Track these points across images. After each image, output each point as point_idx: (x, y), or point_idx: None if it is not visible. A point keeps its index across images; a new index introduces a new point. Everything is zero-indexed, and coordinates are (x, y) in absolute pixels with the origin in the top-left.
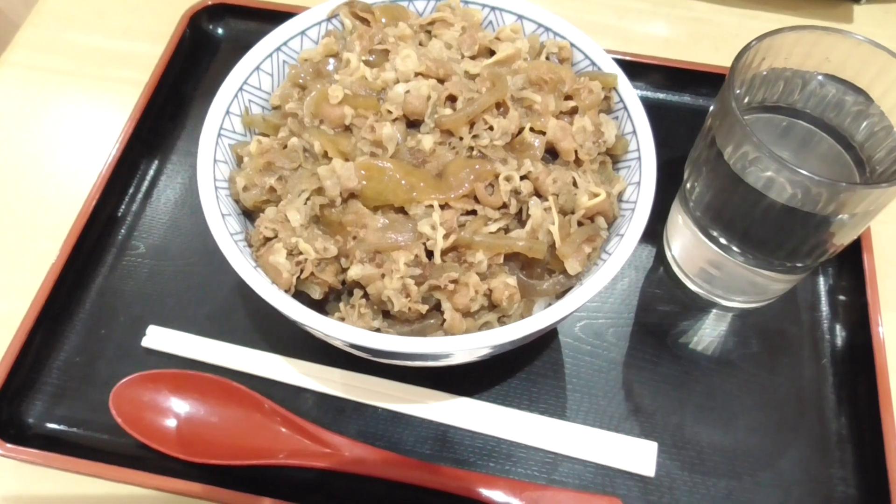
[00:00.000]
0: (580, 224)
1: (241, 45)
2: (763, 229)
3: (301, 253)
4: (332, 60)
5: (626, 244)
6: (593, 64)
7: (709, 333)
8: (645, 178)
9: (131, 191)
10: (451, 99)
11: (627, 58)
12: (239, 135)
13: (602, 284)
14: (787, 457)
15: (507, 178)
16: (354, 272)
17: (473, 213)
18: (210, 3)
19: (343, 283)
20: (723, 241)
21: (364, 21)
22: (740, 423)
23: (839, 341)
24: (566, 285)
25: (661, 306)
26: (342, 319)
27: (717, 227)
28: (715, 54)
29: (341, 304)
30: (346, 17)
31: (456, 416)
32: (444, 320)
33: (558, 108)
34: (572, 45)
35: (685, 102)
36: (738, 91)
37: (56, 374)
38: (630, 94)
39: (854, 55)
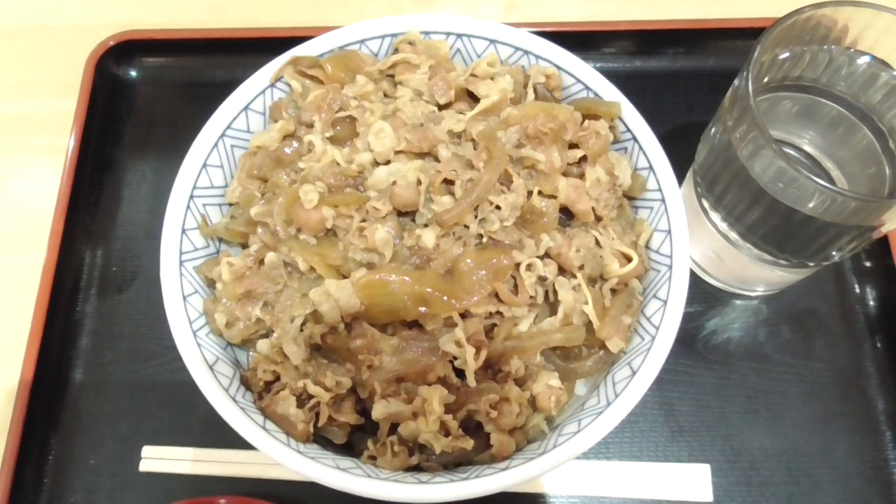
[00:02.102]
0: (613, 291)
1: (161, 84)
2: (787, 233)
3: (311, 395)
4: (290, 143)
5: (672, 315)
6: (587, 88)
7: (737, 328)
8: (676, 225)
9: (82, 293)
10: (446, 181)
11: (602, 28)
12: (202, 250)
13: (653, 374)
14: (839, 448)
15: (530, 267)
16: (379, 412)
17: (498, 314)
18: (113, 43)
19: (364, 414)
20: (739, 240)
21: (314, 79)
22: (787, 421)
23: (872, 311)
24: (609, 361)
25: (685, 307)
26: (373, 459)
27: (738, 227)
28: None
29: (370, 442)
30: (292, 78)
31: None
32: (490, 444)
33: (564, 163)
34: (560, 69)
35: (665, 66)
36: (756, 84)
37: None
38: (638, 124)
39: (891, 32)
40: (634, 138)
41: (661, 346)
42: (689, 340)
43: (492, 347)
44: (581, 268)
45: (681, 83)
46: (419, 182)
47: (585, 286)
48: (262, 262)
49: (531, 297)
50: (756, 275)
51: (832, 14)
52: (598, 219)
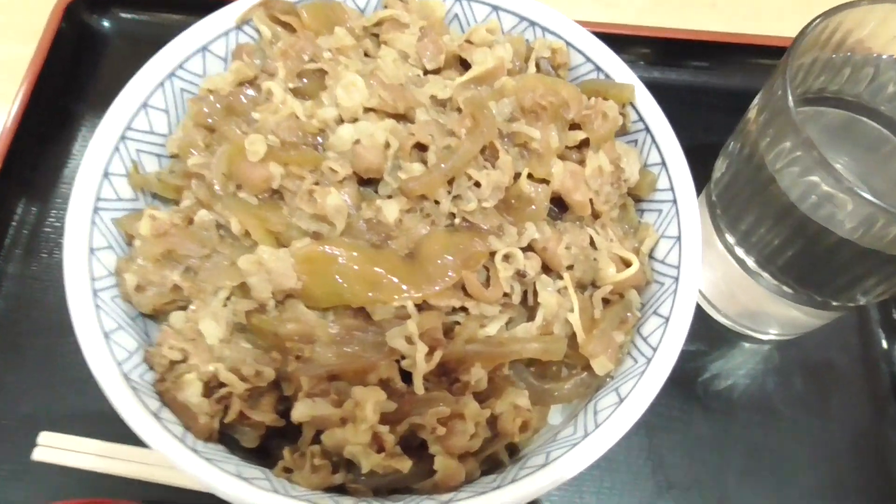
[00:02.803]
0: (605, 301)
1: (136, 40)
2: (812, 261)
3: (223, 384)
4: (247, 91)
5: (673, 336)
6: (598, 69)
7: (744, 374)
8: (687, 231)
9: (5, 250)
10: (419, 146)
11: (619, 31)
12: (127, 201)
13: (644, 404)
14: None
15: (507, 258)
16: (301, 412)
17: (463, 310)
18: None
19: (287, 416)
20: (756, 268)
21: (287, 27)
22: (793, 488)
23: None
24: (592, 386)
25: (685, 344)
26: (288, 472)
27: (754, 255)
28: (711, 11)
29: (286, 451)
30: (261, 22)
31: None
32: (434, 469)
33: (563, 144)
34: (569, 45)
35: (685, 80)
36: (793, 88)
37: None
38: (652, 112)
39: None
40: (647, 129)
41: (656, 372)
42: (688, 382)
43: (449, 349)
44: (570, 269)
45: (701, 100)
46: (387, 145)
47: (573, 290)
48: (192, 221)
49: (505, 294)
50: (770, 312)
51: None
52: (596, 215)
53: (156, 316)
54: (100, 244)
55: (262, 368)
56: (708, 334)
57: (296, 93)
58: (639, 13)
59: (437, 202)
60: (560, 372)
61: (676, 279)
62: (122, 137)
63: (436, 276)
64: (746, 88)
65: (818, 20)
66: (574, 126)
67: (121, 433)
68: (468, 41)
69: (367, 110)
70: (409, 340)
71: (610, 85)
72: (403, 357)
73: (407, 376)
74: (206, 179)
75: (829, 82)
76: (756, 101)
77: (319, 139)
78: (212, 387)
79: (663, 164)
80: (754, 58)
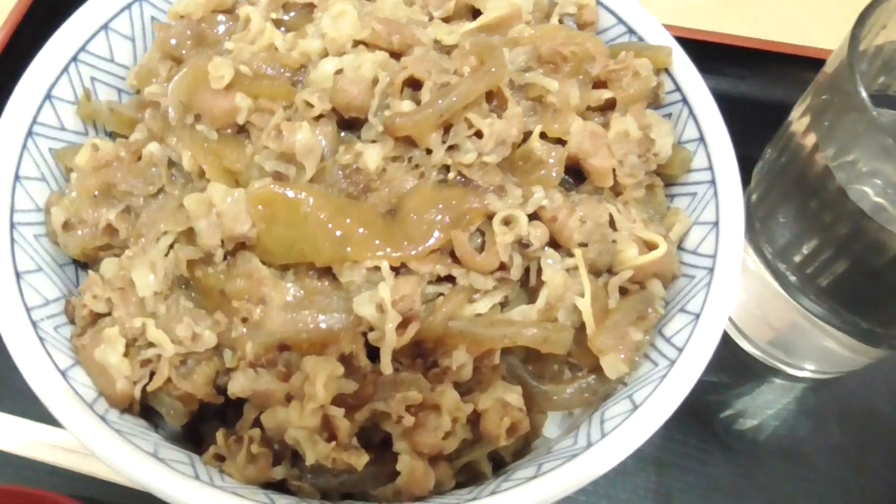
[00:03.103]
0: (623, 292)
1: None
2: (864, 280)
3: (151, 345)
4: (223, 19)
5: (705, 335)
6: (631, 31)
7: (773, 414)
8: (728, 216)
9: None
10: (413, 85)
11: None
12: (71, 133)
13: (664, 414)
14: None
15: (507, 222)
16: (239, 385)
17: (450, 279)
18: None
19: (226, 394)
20: (795, 287)
21: None
22: None
23: None
24: (599, 394)
25: (707, 374)
26: (220, 461)
27: (796, 271)
28: (755, 24)
29: (220, 434)
30: None
31: None
32: (398, 471)
33: (585, 102)
34: (598, 3)
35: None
36: (861, 74)
37: None
38: (691, 80)
39: None
40: (684, 99)
41: (681, 377)
42: (708, 417)
43: (427, 323)
44: (584, 248)
45: (737, 111)
46: (376, 81)
47: (585, 271)
48: (140, 157)
49: (502, 265)
50: (807, 343)
51: None
52: (618, 191)
53: (88, 264)
54: (29, 173)
55: (200, 331)
56: (734, 365)
57: (277, 25)
58: (674, 14)
59: (428, 150)
60: (562, 373)
61: (711, 270)
62: (75, 59)
63: (419, 234)
64: (791, 101)
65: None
66: (599, 85)
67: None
68: None
69: (357, 44)
70: (380, 308)
71: (643, 47)
72: (371, 329)
73: (374, 354)
74: (162, 108)
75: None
76: (806, 98)
77: (300, 78)
78: (138, 346)
79: (701, 139)
80: (799, 70)
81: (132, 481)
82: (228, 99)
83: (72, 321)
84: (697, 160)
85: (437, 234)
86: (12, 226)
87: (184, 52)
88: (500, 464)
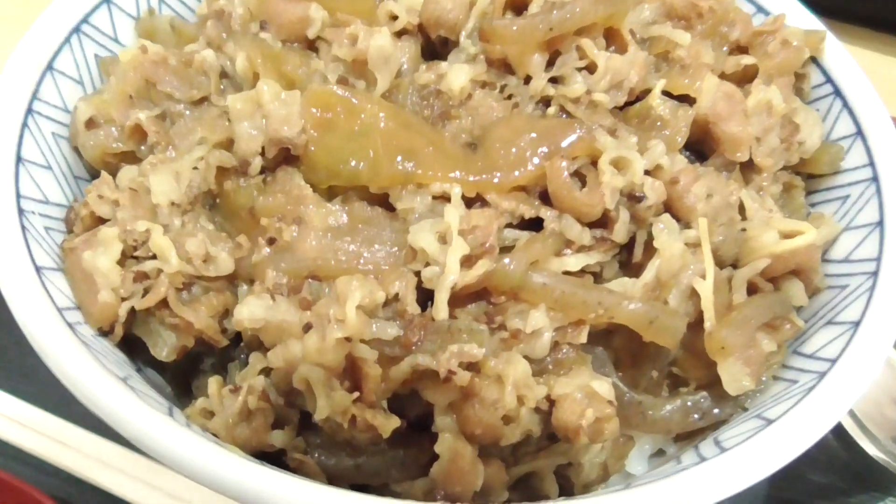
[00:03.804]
0: (753, 289)
1: None
2: None
3: (154, 256)
4: None
5: (866, 346)
6: (760, 11)
7: None
8: (892, 215)
9: None
10: (516, 7)
11: None
12: (122, 47)
13: (813, 434)
14: None
15: (617, 164)
16: (248, 311)
17: (536, 223)
18: None
19: (235, 338)
20: None
21: None
22: None
23: None
24: (710, 415)
25: (816, 476)
26: (208, 415)
27: None
28: None
29: (213, 381)
30: None
31: None
32: (435, 454)
33: (720, 67)
34: None
35: None
36: None
37: None
38: (847, 69)
39: None
40: (837, 92)
41: (836, 389)
42: None
43: (501, 267)
44: (707, 222)
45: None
46: (473, 3)
47: (708, 248)
48: (191, 64)
49: (605, 215)
50: None
51: None
52: (749, 179)
53: (104, 168)
54: (65, 68)
55: (215, 251)
56: (851, 468)
57: None
58: None
59: (526, 80)
60: (660, 385)
61: (874, 274)
62: None
63: (505, 162)
64: None
65: None
66: (737, 49)
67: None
68: None
69: None
70: (443, 239)
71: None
72: (428, 264)
73: (426, 302)
74: (226, 14)
75: None
76: None
77: None
78: (137, 256)
79: (859, 134)
80: None
81: (90, 404)
82: (302, 6)
83: (70, 229)
84: (852, 158)
85: (530, 163)
86: (29, 111)
87: None
88: (566, 485)
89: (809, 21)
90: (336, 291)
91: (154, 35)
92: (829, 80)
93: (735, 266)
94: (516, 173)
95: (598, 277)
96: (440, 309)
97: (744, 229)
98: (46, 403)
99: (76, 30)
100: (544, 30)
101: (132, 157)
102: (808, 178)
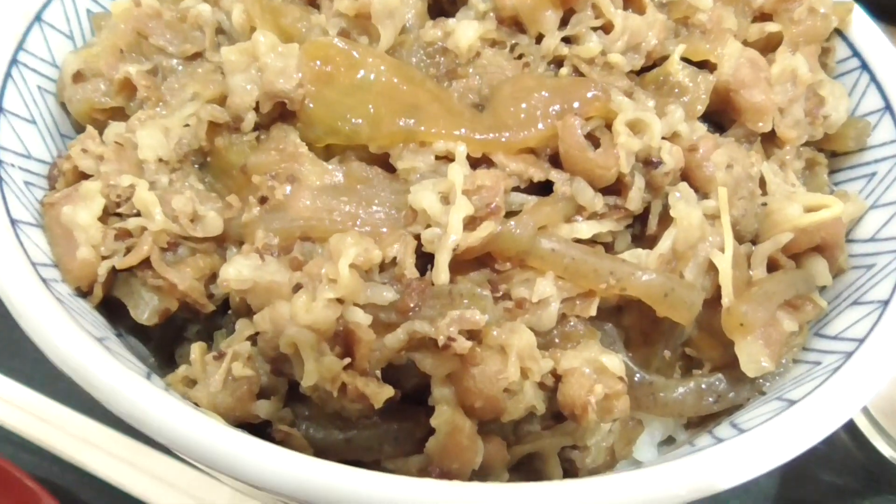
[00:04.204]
0: (773, 266)
1: None
2: None
3: (138, 213)
4: None
5: (893, 330)
6: None
7: None
8: None
9: None
10: None
11: None
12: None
13: (838, 419)
14: None
15: (633, 126)
16: (234, 270)
17: (545, 188)
18: None
19: (222, 304)
20: None
21: None
22: None
23: None
24: (724, 398)
25: (829, 476)
26: (190, 384)
27: None
28: None
29: (196, 347)
30: None
31: None
32: (431, 429)
33: (742, 34)
34: None
35: None
36: None
37: None
38: (875, 42)
39: None
40: (864, 66)
41: (866, 368)
42: None
43: (508, 230)
44: (727, 193)
45: None
46: None
47: (728, 219)
48: (185, 19)
49: (622, 176)
50: None
51: None
52: (770, 152)
53: (91, 123)
54: (55, 21)
55: (202, 210)
56: (866, 469)
57: None
58: None
59: (538, 39)
60: (672, 366)
61: None
62: None
63: (514, 120)
64: None
65: None
66: (761, 16)
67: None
68: None
69: None
70: (445, 200)
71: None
72: (428, 226)
73: (424, 266)
74: None
75: None
76: None
77: None
78: (119, 213)
79: (888, 108)
80: None
81: (60, 362)
82: None
83: (52, 186)
84: (879, 134)
85: (539, 122)
86: (13, 61)
87: None
88: (569, 468)
89: None
90: (329, 249)
91: None
92: (855, 53)
93: (754, 242)
94: (526, 133)
95: (609, 248)
96: (440, 271)
97: (764, 204)
98: (33, 381)
99: None
100: None
101: (121, 114)
102: (831, 155)
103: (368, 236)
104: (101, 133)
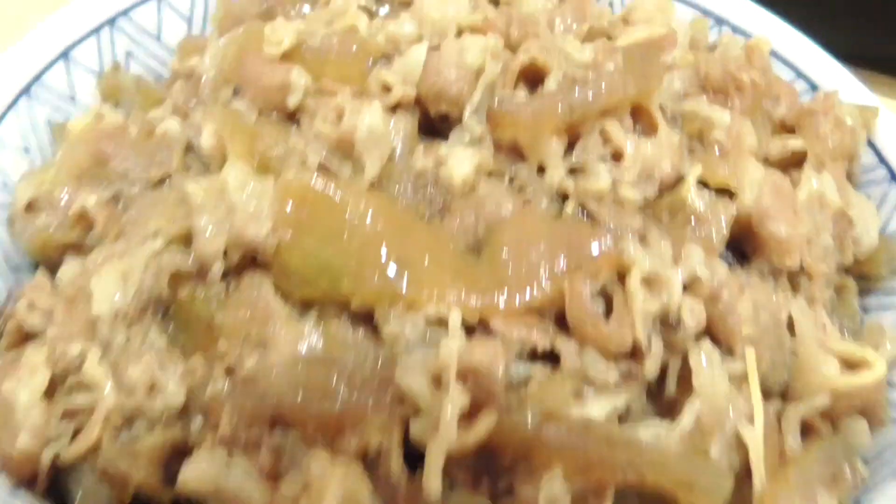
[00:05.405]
0: (807, 430)
1: None
2: None
3: (86, 387)
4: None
5: None
6: (813, 87)
7: None
8: None
9: None
10: (531, 81)
11: None
12: (81, 107)
13: None
14: None
15: (651, 283)
16: (195, 472)
17: (551, 357)
18: None
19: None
20: None
21: None
22: None
23: None
24: None
25: None
26: None
27: None
28: None
29: None
30: None
31: None
32: None
33: (763, 150)
34: (775, 53)
35: None
36: None
37: None
38: None
39: None
40: (893, 176)
41: None
42: None
43: (509, 419)
44: (753, 349)
45: None
46: (481, 69)
47: (757, 385)
48: (153, 133)
49: (635, 345)
50: None
51: None
52: (796, 286)
53: (45, 260)
54: (8, 137)
55: (164, 380)
56: None
57: (369, 14)
58: None
59: (541, 168)
60: None
61: None
62: (112, 23)
63: (515, 278)
64: None
65: None
66: (784, 129)
67: None
68: (625, 20)
69: (463, 33)
70: (437, 382)
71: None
72: (418, 411)
73: (413, 459)
74: (196, 75)
75: None
76: None
77: (381, 64)
78: (67, 387)
79: None
80: None
81: None
82: (282, 71)
83: None
84: None
85: (544, 279)
86: None
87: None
88: None
89: (858, 92)
90: (310, 474)
91: (118, 95)
92: (882, 161)
93: (784, 396)
94: (527, 294)
95: (623, 418)
96: (432, 478)
97: (794, 353)
98: None
99: (25, 91)
100: (564, 112)
101: (77, 248)
102: (858, 276)
103: (350, 424)
104: (54, 269)
